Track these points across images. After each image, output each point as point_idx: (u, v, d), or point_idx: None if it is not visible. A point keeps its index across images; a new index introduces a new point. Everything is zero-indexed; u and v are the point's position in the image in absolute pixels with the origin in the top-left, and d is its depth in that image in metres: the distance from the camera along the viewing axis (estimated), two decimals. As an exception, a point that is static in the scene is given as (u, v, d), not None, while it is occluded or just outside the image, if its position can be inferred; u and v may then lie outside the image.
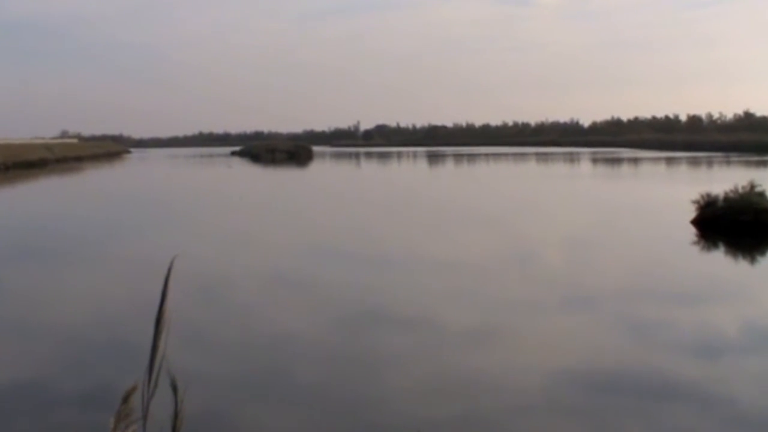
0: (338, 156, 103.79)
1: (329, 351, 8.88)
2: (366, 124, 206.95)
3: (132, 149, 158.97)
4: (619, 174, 49.38)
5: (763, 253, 16.65)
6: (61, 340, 9.71)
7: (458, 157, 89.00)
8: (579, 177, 45.99)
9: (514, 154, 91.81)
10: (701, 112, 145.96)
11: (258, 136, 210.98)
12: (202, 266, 14.47)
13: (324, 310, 10.97)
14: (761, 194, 18.65)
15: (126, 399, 1.86)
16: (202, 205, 30.58)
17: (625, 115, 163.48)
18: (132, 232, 21.29)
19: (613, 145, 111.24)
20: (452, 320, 10.20)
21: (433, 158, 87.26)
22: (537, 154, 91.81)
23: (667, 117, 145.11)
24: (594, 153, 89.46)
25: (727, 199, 18.95)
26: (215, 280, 13.62)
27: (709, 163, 58.00)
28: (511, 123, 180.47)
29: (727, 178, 26.04)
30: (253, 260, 15.64)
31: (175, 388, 1.84)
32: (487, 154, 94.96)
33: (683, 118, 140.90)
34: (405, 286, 12.51)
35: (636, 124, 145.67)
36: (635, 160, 67.18)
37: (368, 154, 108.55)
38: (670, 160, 64.50)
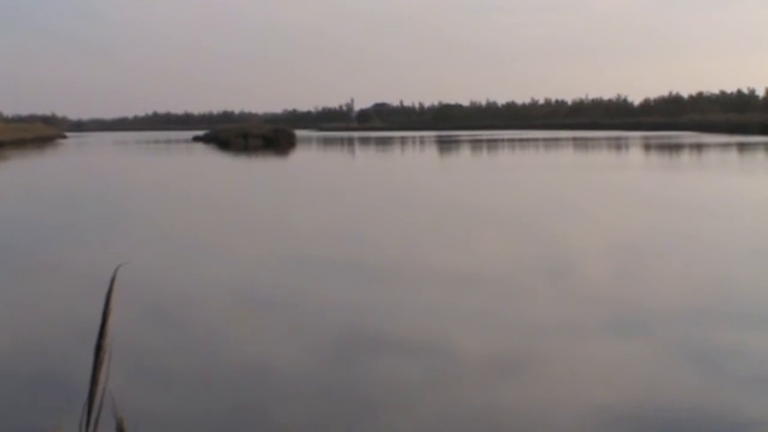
0: (327, 142, 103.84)
1: (316, 385, 8.86)
2: (361, 103, 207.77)
3: (68, 133, 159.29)
4: (678, 164, 49.41)
5: None
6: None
7: (476, 143, 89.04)
8: (628, 168, 46.00)
9: (546, 140, 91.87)
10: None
11: (227, 117, 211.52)
12: (153, 280, 14.45)
13: (311, 335, 10.95)
14: None
15: (48, 446, 1.87)
16: (148, 205, 30.56)
17: (686, 91, 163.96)
18: (63, 237, 21.29)
19: (671, 128, 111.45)
20: (472, 347, 10.17)
21: (445, 145, 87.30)
22: (575, 139, 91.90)
23: (739, 92, 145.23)
24: (646, 138, 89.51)
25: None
26: (169, 298, 13.60)
27: (792, 150, 58.00)
28: (542, 101, 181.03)
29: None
30: (221, 274, 15.62)
31: (121, 431, 1.83)
32: (512, 140, 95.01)
33: (761, 93, 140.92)
34: (410, 305, 12.49)
35: (700, 101, 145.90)
36: (699, 147, 67.20)
37: (364, 140, 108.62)
38: (743, 147, 64.52)
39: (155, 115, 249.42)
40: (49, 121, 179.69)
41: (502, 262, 16.59)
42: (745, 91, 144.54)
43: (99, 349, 1.90)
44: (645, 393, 8.44)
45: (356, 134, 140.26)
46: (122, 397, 2.07)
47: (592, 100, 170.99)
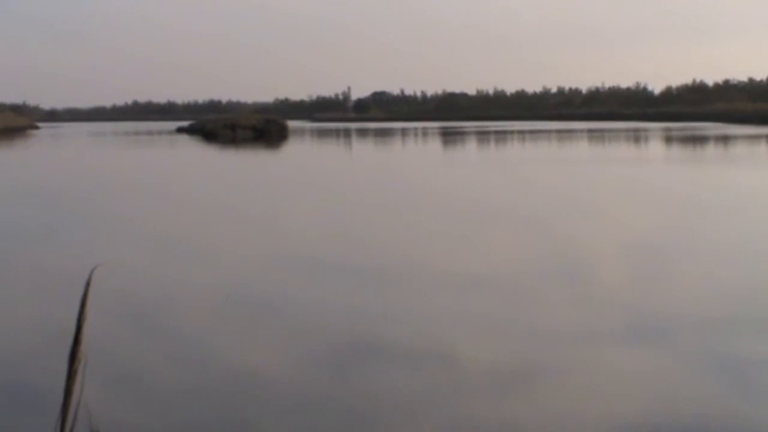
0: (322, 133, 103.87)
1: (311, 398, 8.86)
2: (359, 92, 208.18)
3: (41, 123, 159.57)
4: (703, 158, 49.37)
5: None
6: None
7: (483, 135, 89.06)
8: (649, 162, 45.99)
9: (560, 131, 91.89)
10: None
11: (214, 107, 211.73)
12: (133, 283, 14.43)
13: (305, 344, 10.94)
14: None
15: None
16: (123, 203, 30.58)
17: (711, 78, 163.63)
18: (30, 238, 21.28)
19: (695, 119, 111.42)
20: (479, 357, 10.17)
21: (450, 137, 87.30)
22: (590, 130, 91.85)
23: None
24: (668, 129, 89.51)
25: None
26: (151, 302, 13.59)
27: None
28: (554, 89, 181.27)
29: None
30: (206, 278, 15.62)
31: (97, 447, 1.82)
32: (522, 131, 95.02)
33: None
34: (412, 311, 12.49)
35: (726, 89, 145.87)
36: (725, 139, 67.16)
37: (362, 132, 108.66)
38: (772, 139, 64.52)
39: (135, 104, 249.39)
40: (19, 110, 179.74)
41: (520, 267, 16.57)
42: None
43: (73, 357, 1.88)
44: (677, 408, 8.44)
45: (353, 125, 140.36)
46: (99, 409, 2.06)
47: (609, 89, 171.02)
